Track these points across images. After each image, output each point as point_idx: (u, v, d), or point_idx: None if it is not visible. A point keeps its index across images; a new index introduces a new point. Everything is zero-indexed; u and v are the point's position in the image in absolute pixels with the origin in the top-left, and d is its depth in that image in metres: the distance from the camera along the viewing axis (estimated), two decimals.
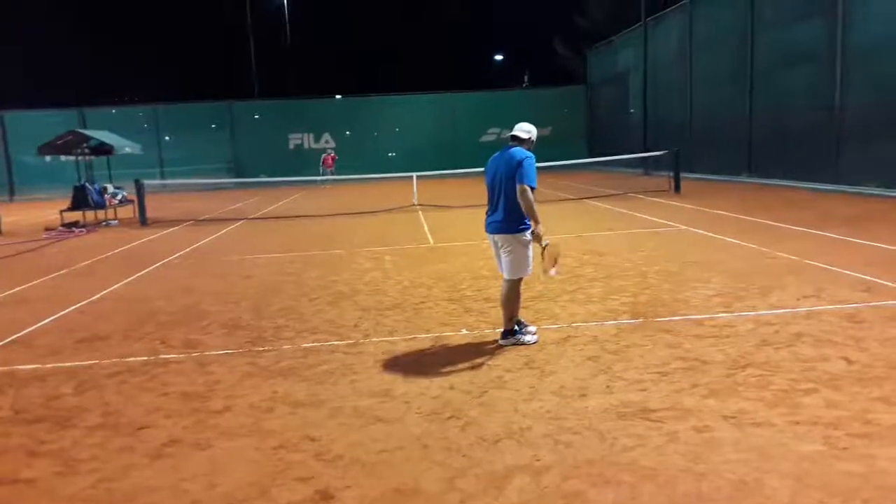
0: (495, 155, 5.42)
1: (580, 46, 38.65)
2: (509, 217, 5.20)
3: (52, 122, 28.43)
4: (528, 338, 5.39)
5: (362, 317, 6.56)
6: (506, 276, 5.38)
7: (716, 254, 8.83)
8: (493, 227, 5.36)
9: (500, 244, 5.36)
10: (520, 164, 5.08)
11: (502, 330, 5.47)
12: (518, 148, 5.28)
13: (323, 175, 28.17)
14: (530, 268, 5.35)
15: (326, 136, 35.79)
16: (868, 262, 7.75)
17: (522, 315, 5.69)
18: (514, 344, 5.34)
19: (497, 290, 6.93)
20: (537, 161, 5.29)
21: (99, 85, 44.57)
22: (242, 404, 4.43)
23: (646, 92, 26.83)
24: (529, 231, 5.21)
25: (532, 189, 5.04)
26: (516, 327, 5.47)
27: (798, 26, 17.88)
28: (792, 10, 18.13)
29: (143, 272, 9.68)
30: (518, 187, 5.03)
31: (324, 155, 29.67)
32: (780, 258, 8.28)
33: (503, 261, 5.37)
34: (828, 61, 16.48)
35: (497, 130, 35.30)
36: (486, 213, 5.46)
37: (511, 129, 5.45)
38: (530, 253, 5.31)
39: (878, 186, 14.83)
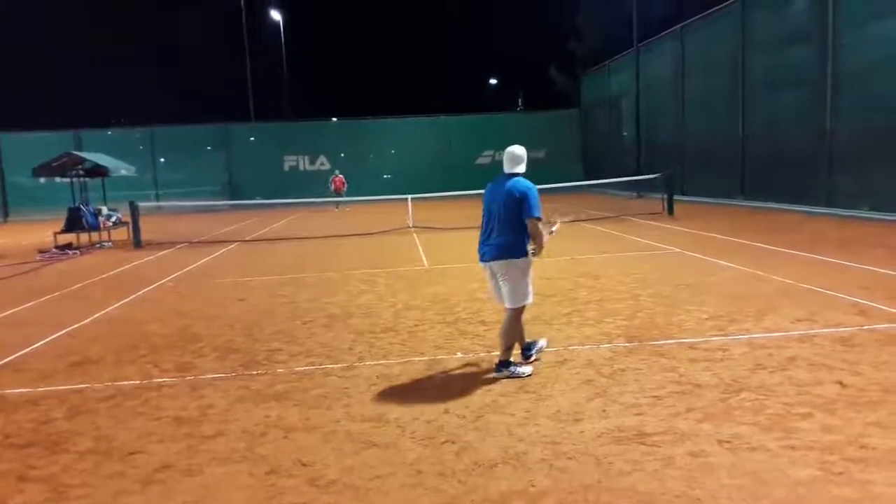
0: (494, 182, 5.35)
1: (574, 70, 39.08)
2: (507, 244, 5.13)
3: (47, 143, 28.45)
4: (522, 369, 5.19)
5: (356, 340, 6.54)
6: (507, 304, 5.24)
7: (709, 277, 8.86)
8: (489, 255, 5.23)
9: (497, 272, 5.23)
10: (524, 197, 5.03)
11: (497, 361, 5.27)
12: (518, 179, 5.20)
13: (334, 197, 28.06)
14: (531, 296, 5.28)
15: (322, 158, 35.92)
16: (861, 285, 7.79)
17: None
18: (507, 377, 5.15)
19: (492, 312, 6.93)
20: (532, 182, 5.22)
21: (95, 107, 44.69)
22: (235, 429, 4.40)
23: (639, 115, 27.08)
24: (531, 252, 5.16)
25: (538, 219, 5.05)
26: (525, 350, 5.47)
27: (789, 50, 18.12)
28: (783, 35, 18.38)
29: (136, 295, 9.64)
30: (529, 223, 5.03)
31: (332, 177, 29.37)
32: (773, 281, 8.31)
33: (503, 289, 5.24)
34: (819, 85, 16.68)
35: (491, 153, 35.51)
36: (480, 240, 5.36)
37: (504, 152, 5.37)
38: (529, 279, 5.24)
39: (870, 210, 14.93)
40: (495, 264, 5.22)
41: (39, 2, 47.72)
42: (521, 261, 5.16)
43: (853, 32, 15.79)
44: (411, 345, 6.26)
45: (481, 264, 5.38)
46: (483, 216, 5.35)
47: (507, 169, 5.29)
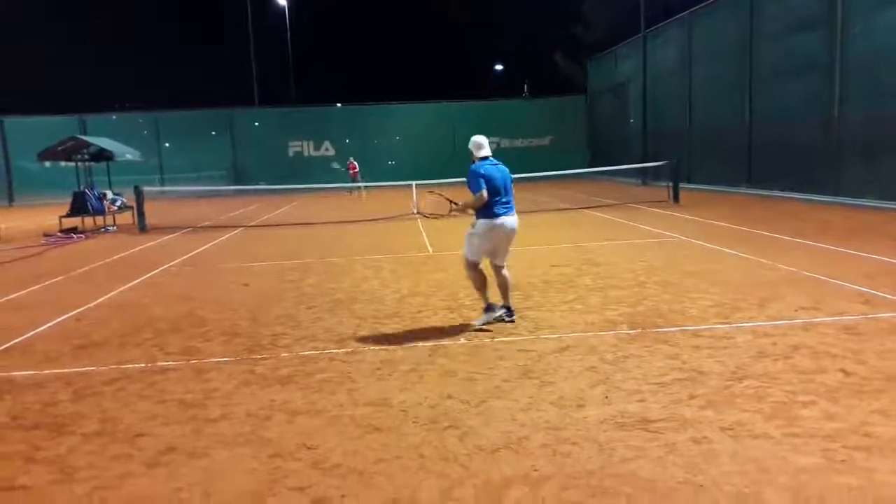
0: (492, 165, 6.22)
1: (580, 56, 38.84)
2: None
3: (52, 127, 28.46)
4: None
5: (360, 325, 6.56)
6: (507, 260, 6.41)
7: (714, 265, 8.84)
8: (513, 214, 6.31)
9: (514, 230, 6.35)
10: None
11: (509, 307, 6.39)
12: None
13: (351, 183, 28.01)
14: (471, 253, 6.20)
15: (326, 143, 35.88)
16: (867, 274, 7.77)
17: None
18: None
19: (497, 298, 6.84)
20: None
21: (100, 91, 44.62)
22: (240, 412, 4.42)
23: (645, 102, 26.93)
24: (477, 222, 6.17)
25: (474, 193, 6.02)
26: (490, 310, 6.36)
27: (798, 38, 17.97)
28: (792, 22, 18.22)
29: (141, 279, 9.67)
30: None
31: (348, 163, 29.26)
32: (778, 269, 8.30)
33: (508, 248, 6.38)
34: (827, 73, 16.57)
35: (497, 139, 35.37)
36: (501, 204, 6.17)
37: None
38: (474, 240, 6.17)
39: (877, 199, 14.86)
40: (516, 222, 6.25)
41: None
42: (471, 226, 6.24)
43: (862, 20, 15.65)
44: (415, 330, 6.28)
45: (505, 221, 6.13)
46: (496, 187, 6.09)
47: (487, 153, 6.25)
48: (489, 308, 6.28)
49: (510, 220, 6.16)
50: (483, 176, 6.02)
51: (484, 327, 6.16)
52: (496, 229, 6.09)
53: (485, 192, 5.96)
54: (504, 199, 6.13)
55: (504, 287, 6.33)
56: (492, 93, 43.79)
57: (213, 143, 35.19)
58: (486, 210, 6.07)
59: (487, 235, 6.12)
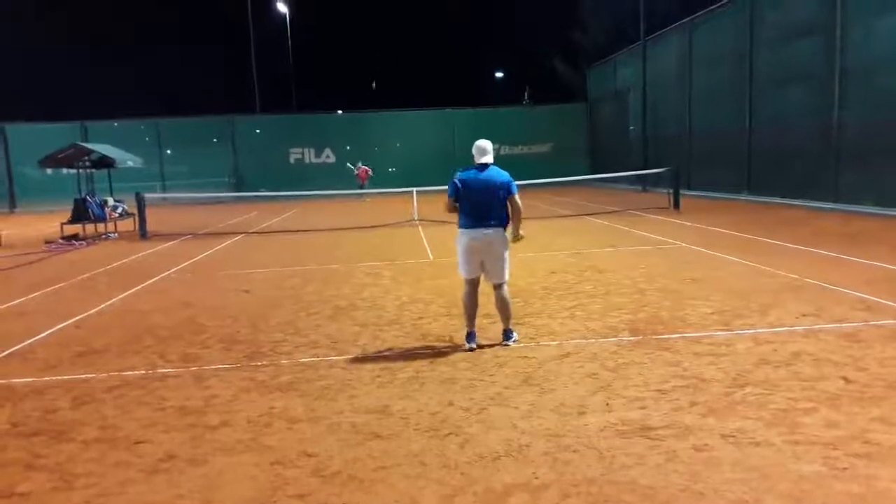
0: (477, 172, 5.84)
1: (580, 64, 38.93)
2: (504, 221, 5.90)
3: (53, 134, 28.49)
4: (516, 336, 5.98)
5: (361, 332, 6.55)
6: (505, 278, 5.90)
7: (714, 271, 8.84)
8: (493, 226, 5.86)
9: (495, 243, 5.83)
10: (510, 181, 5.91)
11: (505, 330, 5.99)
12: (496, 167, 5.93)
13: (359, 189, 28.01)
14: (459, 266, 5.95)
15: (327, 150, 35.93)
16: (867, 280, 7.76)
17: (518, 330, 5.88)
18: (514, 342, 5.90)
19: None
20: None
21: (101, 98, 44.71)
22: (240, 419, 4.41)
23: (645, 109, 26.98)
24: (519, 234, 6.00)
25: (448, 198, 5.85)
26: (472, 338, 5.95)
27: (797, 45, 18.03)
28: (791, 29, 18.29)
29: (141, 286, 9.67)
30: (512, 199, 5.84)
31: (357, 169, 29.27)
32: (778, 276, 8.29)
33: (499, 263, 5.86)
34: (826, 80, 16.61)
35: (497, 146, 35.31)
36: (476, 219, 5.82)
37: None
38: (457, 250, 5.91)
39: (876, 205, 14.86)
40: (493, 234, 5.75)
41: None
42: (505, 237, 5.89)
43: (861, 27, 15.71)
44: (415, 337, 6.27)
45: (475, 233, 5.74)
46: (471, 196, 5.75)
47: (487, 160, 5.83)
48: (469, 336, 5.85)
49: (481, 232, 5.71)
50: (457, 182, 5.76)
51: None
52: (466, 240, 5.76)
53: (451, 200, 5.79)
54: (478, 209, 5.73)
55: (500, 308, 5.93)
56: (492, 100, 43.89)
57: (215, 149, 35.21)
58: (460, 219, 5.82)
59: (461, 245, 5.81)
